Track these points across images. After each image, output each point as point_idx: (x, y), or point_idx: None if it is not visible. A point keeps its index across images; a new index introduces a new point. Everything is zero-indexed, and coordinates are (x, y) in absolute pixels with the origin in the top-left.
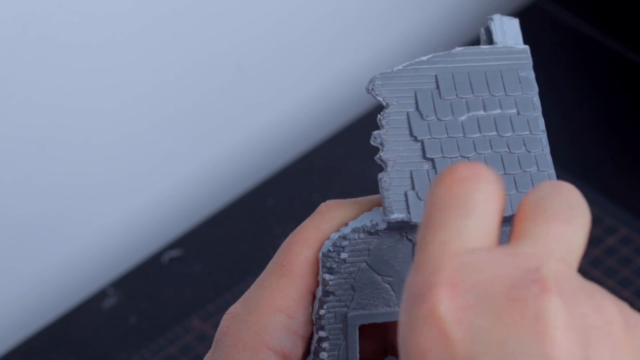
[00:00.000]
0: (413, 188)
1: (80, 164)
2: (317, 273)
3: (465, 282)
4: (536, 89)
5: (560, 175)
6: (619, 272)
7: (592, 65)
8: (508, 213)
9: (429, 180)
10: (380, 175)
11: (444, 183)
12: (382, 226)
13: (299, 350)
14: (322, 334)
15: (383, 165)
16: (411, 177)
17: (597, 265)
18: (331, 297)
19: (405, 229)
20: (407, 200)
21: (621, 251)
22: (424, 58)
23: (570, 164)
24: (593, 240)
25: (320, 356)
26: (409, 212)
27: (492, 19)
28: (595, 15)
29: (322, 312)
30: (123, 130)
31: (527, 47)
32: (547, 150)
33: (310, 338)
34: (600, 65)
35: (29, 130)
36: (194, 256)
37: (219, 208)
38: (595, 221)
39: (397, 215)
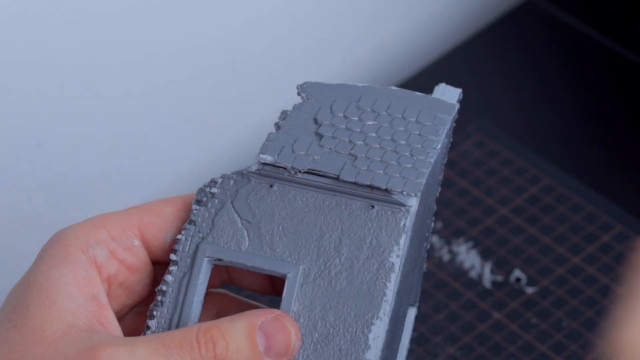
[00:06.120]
0: (292, 145)
1: (76, 162)
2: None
3: None
4: (447, 126)
5: (555, 172)
6: (614, 269)
7: (586, 62)
8: (366, 182)
9: (309, 147)
10: (270, 132)
11: None
12: (254, 168)
13: (113, 267)
14: (172, 257)
15: (276, 129)
16: (295, 140)
17: (592, 262)
18: (191, 226)
19: (275, 179)
20: (281, 150)
21: (616, 248)
22: (359, 85)
23: (564, 161)
24: (588, 237)
25: (166, 278)
26: (277, 157)
27: (438, 85)
28: (589, 13)
29: (179, 236)
30: (115, 128)
31: (457, 104)
32: (431, 160)
33: (138, 272)
34: (594, 62)
35: (25, 128)
36: None
37: None
38: (590, 218)
39: (267, 157)
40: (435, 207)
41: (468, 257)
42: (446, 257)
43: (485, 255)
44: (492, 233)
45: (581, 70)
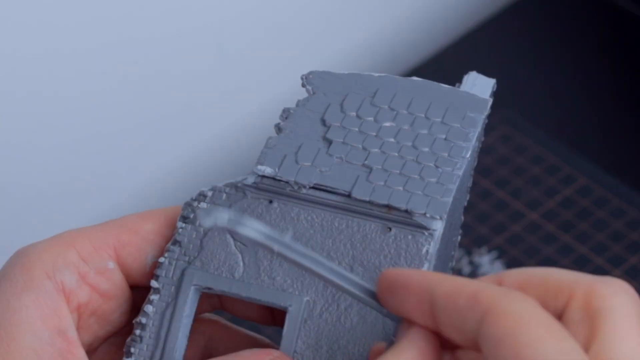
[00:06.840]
0: (296, 154)
1: (63, 159)
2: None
3: None
4: (478, 128)
5: (592, 171)
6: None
7: (629, 44)
8: (383, 202)
9: (316, 156)
10: (269, 137)
11: None
12: (250, 180)
13: (84, 294)
14: (154, 284)
15: (276, 132)
16: (300, 147)
17: (636, 275)
18: (176, 247)
19: (275, 195)
20: (283, 160)
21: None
22: (375, 74)
23: (603, 158)
24: (631, 247)
25: (145, 309)
26: (278, 169)
27: (468, 74)
28: None
29: (161, 259)
30: (97, 124)
31: (489, 99)
32: (459, 172)
33: (113, 299)
34: (638, 44)
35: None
36: None
37: None
38: (634, 225)
39: (265, 168)
40: (462, 219)
41: (492, 269)
42: (466, 269)
43: (511, 267)
44: (519, 242)
45: (623, 53)
